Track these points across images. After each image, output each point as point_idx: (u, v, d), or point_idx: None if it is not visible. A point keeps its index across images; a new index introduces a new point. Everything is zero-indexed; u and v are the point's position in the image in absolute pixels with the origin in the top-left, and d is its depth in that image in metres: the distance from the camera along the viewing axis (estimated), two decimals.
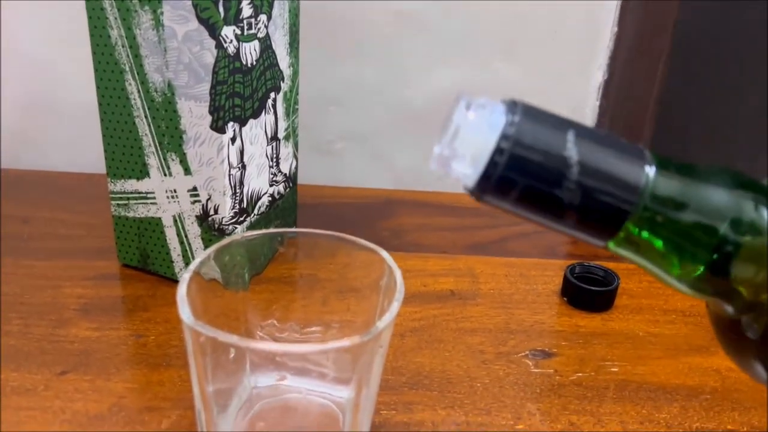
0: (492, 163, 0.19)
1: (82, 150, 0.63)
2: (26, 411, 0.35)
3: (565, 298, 0.47)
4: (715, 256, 0.21)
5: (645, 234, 0.21)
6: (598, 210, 0.20)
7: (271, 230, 0.34)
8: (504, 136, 0.19)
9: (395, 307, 0.29)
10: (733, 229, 0.21)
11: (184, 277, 0.29)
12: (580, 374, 0.40)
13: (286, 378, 0.33)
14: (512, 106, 0.20)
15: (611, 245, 0.21)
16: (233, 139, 0.42)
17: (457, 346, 0.42)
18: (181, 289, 0.27)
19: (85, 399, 0.36)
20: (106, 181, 0.45)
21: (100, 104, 0.43)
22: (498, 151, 0.19)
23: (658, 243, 0.21)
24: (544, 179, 0.20)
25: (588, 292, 0.46)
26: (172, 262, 0.46)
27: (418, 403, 0.37)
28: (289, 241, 0.35)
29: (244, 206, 0.45)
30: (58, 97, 0.65)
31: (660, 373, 0.41)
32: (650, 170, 0.20)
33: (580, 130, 0.20)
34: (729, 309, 0.23)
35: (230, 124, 0.41)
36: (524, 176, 0.20)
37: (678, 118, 0.68)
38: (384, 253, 0.32)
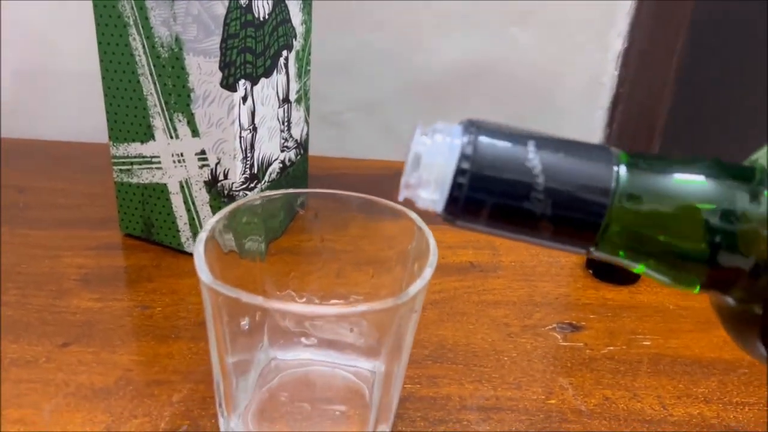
0: (456, 185, 0.19)
1: (83, 119, 0.60)
2: (27, 383, 0.32)
3: (590, 270, 0.45)
4: (701, 247, 0.20)
5: (625, 235, 0.20)
6: (572, 217, 0.19)
7: (291, 190, 0.32)
8: (463, 156, 0.19)
9: (428, 272, 0.26)
10: (715, 217, 0.19)
11: (201, 236, 0.26)
12: (611, 348, 0.38)
13: (309, 349, 0.31)
14: (469, 125, 0.20)
15: (594, 251, 0.20)
16: (244, 99, 0.39)
17: (481, 318, 0.40)
18: (199, 248, 0.25)
19: (89, 371, 0.34)
20: (108, 146, 0.43)
21: (101, 61, 0.40)
22: (460, 172, 0.19)
23: (640, 242, 0.20)
24: (511, 194, 0.19)
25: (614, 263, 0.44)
26: (179, 231, 0.43)
27: (444, 377, 0.35)
28: (310, 202, 0.32)
29: (255, 172, 0.42)
30: (57, 64, 0.63)
31: (694, 347, 0.39)
32: (619, 169, 0.19)
33: (541, 140, 0.19)
34: (729, 300, 0.21)
35: (241, 81, 0.38)
36: (490, 194, 0.19)
37: (698, 88, 0.66)
38: (413, 215, 0.30)
